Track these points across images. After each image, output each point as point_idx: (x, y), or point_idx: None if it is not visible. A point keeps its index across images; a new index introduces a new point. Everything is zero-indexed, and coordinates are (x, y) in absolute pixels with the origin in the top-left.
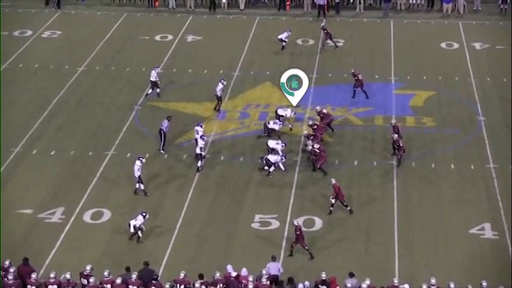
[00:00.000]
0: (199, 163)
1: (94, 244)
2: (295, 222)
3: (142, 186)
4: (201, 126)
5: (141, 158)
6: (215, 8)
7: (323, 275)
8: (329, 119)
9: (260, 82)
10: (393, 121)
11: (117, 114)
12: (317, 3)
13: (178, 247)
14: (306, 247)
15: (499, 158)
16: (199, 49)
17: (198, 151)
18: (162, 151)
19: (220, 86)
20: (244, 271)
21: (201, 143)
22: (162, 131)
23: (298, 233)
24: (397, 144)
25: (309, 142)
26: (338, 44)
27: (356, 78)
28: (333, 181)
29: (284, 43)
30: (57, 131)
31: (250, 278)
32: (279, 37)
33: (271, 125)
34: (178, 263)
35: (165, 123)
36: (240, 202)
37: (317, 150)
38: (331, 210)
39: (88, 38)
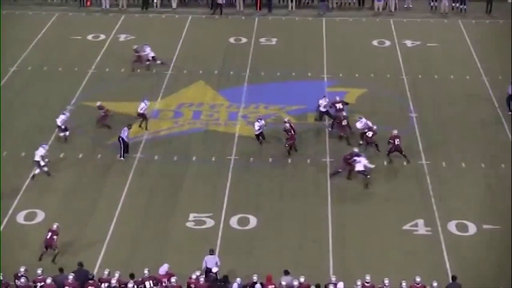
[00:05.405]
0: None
1: (28, 246)
2: None
3: (39, 171)
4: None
5: (43, 145)
6: (147, 7)
7: (255, 278)
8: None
9: (193, 81)
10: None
11: (50, 114)
12: (217, 1)
13: (112, 248)
14: None
15: (431, 154)
16: (132, 49)
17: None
18: (122, 158)
19: (142, 105)
20: (162, 270)
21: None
22: (121, 139)
23: None
24: (289, 132)
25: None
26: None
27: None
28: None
29: (159, 62)
30: None
31: (173, 279)
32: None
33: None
34: (112, 264)
35: (125, 131)
36: (175, 201)
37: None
38: None
39: (19, 38)
